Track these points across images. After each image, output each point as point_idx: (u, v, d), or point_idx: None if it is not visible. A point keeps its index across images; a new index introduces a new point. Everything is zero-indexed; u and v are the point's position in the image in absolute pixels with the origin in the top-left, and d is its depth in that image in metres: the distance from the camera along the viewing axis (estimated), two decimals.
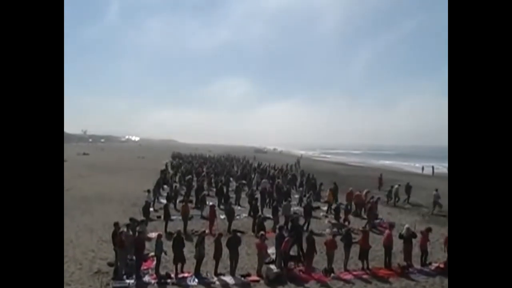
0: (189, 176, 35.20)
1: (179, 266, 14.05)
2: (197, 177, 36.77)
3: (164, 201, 24.89)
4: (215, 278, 13.71)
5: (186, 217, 19.97)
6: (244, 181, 36.25)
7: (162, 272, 13.89)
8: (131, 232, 15.01)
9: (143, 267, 14.12)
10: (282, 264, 14.59)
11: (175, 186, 30.86)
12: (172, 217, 21.12)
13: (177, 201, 26.45)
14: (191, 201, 25.21)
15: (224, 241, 14.48)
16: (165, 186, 34.23)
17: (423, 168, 63.02)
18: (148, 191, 25.38)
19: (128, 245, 14.27)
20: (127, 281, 13.26)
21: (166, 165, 52.31)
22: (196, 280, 13.52)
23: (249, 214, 22.85)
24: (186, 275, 13.86)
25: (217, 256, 14.14)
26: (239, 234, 19.04)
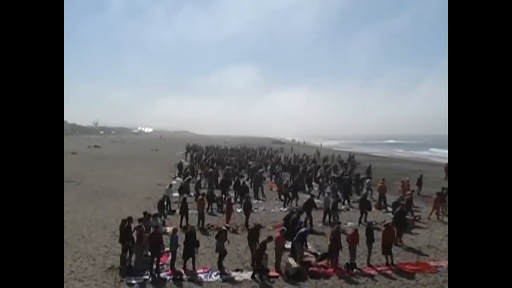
0: (210, 170, 34.65)
1: (189, 262, 13.74)
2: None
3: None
4: (233, 274, 13.28)
5: (202, 212, 19.42)
6: (261, 169, 36.08)
7: (178, 267, 13.56)
8: (144, 227, 14.59)
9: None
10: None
11: (198, 179, 30.41)
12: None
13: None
14: (204, 195, 24.56)
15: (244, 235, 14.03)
16: (179, 179, 33.90)
17: None
18: (170, 185, 24.95)
19: (144, 241, 14.07)
20: (141, 277, 12.89)
21: (193, 157, 51.97)
22: (217, 275, 13.17)
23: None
24: (201, 270, 13.50)
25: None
26: None
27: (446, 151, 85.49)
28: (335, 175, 33.34)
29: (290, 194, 24.82)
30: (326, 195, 22.32)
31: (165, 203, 21.35)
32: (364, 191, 25.58)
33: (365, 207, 20.87)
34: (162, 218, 19.33)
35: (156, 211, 18.85)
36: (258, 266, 13.08)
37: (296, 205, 23.45)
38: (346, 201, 24.83)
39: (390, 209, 22.89)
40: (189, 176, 32.20)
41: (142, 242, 13.57)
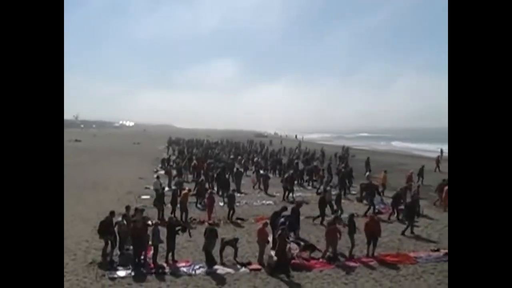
0: (194, 162, 34.58)
1: (169, 255, 13.79)
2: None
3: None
4: (216, 267, 13.28)
5: (184, 205, 19.30)
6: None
7: (160, 261, 13.52)
8: (125, 222, 14.53)
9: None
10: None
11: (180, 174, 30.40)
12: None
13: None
14: (190, 190, 24.01)
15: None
16: (161, 172, 33.74)
17: (442, 151, 50.59)
18: (157, 177, 25.00)
19: (123, 235, 14.15)
20: (124, 271, 12.88)
21: (181, 152, 51.54)
22: (200, 268, 13.17)
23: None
24: (183, 264, 13.50)
25: None
26: (239, 221, 18.77)
27: (408, 145, 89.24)
28: (314, 166, 33.75)
29: (288, 187, 25.00)
30: (328, 188, 22.47)
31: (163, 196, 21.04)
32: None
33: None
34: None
35: (140, 205, 18.70)
36: (283, 259, 13.07)
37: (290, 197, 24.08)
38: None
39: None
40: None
41: (137, 236, 13.48)
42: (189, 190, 21.02)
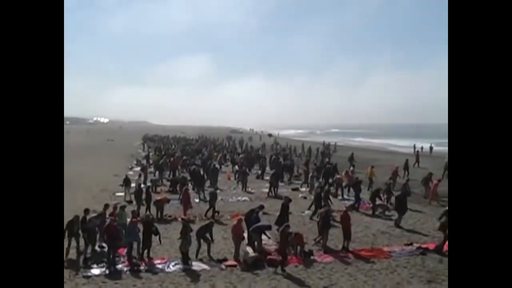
0: (172, 159, 34.31)
1: (145, 252, 13.70)
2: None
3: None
4: (190, 264, 13.19)
5: (161, 204, 19.16)
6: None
7: (135, 258, 13.42)
8: (98, 221, 14.47)
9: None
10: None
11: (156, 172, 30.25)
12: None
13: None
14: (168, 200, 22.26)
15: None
16: (136, 169, 33.46)
17: (422, 148, 54.13)
18: (140, 175, 25.04)
19: (92, 233, 14.17)
20: (98, 269, 12.76)
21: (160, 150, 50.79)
22: (176, 265, 13.11)
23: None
24: (159, 261, 13.43)
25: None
26: (216, 214, 18.80)
27: (378, 141, 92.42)
28: (291, 161, 34.12)
29: (274, 183, 25.17)
30: (317, 184, 22.65)
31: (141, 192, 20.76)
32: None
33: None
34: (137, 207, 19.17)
35: (115, 202, 18.48)
36: (284, 257, 13.01)
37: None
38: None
39: (346, 196, 23.48)
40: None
41: (112, 235, 13.29)
42: (167, 200, 20.61)
